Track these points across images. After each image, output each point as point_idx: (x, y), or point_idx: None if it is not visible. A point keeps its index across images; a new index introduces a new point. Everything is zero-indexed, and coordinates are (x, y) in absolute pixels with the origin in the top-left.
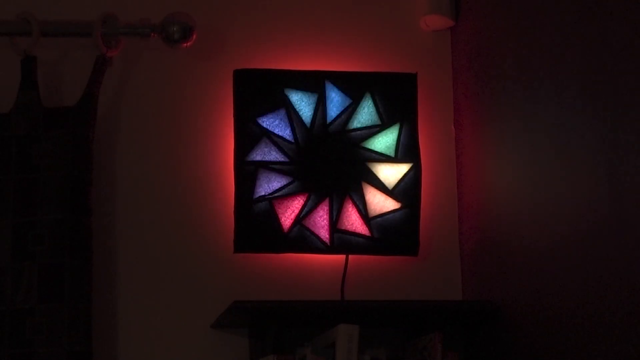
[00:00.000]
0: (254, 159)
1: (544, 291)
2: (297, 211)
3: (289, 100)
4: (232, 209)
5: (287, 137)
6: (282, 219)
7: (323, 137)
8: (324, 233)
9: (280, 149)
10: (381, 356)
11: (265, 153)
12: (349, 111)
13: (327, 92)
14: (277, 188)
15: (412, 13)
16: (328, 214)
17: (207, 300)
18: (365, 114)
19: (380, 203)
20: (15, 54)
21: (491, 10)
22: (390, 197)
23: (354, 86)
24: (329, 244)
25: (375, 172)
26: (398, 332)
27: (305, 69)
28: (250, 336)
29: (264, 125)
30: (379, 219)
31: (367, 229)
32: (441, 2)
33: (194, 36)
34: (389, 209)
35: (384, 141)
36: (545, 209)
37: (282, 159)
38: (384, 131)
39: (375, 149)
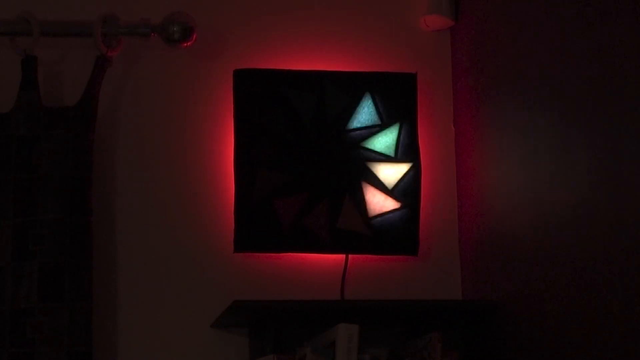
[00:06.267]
0: (254, 159)
1: (543, 291)
2: (297, 211)
3: (289, 100)
4: (232, 209)
5: (287, 137)
6: (282, 219)
7: (323, 137)
8: (323, 233)
9: (280, 148)
10: (381, 356)
11: (265, 153)
12: (349, 111)
13: (327, 92)
14: (277, 188)
15: (412, 13)
16: (328, 214)
17: (207, 300)
18: (365, 113)
19: (380, 203)
20: (16, 54)
21: (491, 10)
22: (390, 196)
23: (354, 86)
24: (329, 243)
25: (375, 172)
26: (398, 332)
27: (305, 69)
28: (250, 336)
29: (264, 125)
30: (378, 219)
31: (367, 228)
32: (441, 2)
33: (194, 36)
34: (389, 209)
35: (384, 141)
36: (545, 208)
37: (282, 159)
38: (384, 131)
39: (375, 149)
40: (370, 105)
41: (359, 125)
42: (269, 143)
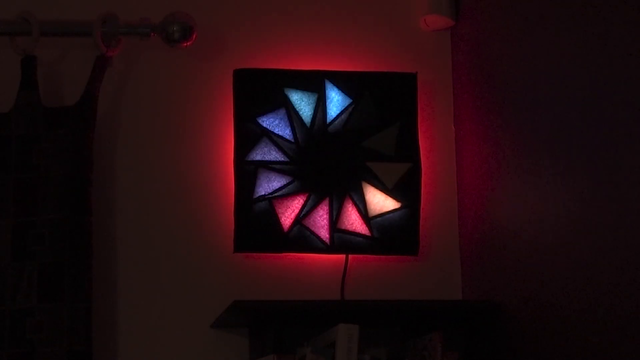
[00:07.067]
0: (254, 159)
1: (543, 291)
2: (297, 211)
3: (289, 100)
4: (232, 209)
5: (287, 137)
6: (282, 219)
7: (323, 137)
8: (324, 233)
9: (280, 148)
10: (381, 356)
11: (265, 153)
12: (349, 111)
13: (327, 91)
14: (277, 188)
15: (412, 13)
16: (328, 214)
17: (207, 300)
18: (365, 113)
19: (380, 203)
20: (15, 54)
21: (491, 10)
22: (390, 196)
23: (354, 86)
24: (329, 243)
25: (375, 172)
26: (398, 332)
27: (305, 69)
28: (250, 336)
29: (264, 125)
30: (378, 219)
31: (367, 228)
32: (441, 2)
33: (194, 36)
34: (389, 209)
35: (384, 140)
36: (546, 208)
37: (282, 159)
38: (384, 130)
39: (375, 149)
40: (371, 105)
41: (359, 125)
42: (269, 143)
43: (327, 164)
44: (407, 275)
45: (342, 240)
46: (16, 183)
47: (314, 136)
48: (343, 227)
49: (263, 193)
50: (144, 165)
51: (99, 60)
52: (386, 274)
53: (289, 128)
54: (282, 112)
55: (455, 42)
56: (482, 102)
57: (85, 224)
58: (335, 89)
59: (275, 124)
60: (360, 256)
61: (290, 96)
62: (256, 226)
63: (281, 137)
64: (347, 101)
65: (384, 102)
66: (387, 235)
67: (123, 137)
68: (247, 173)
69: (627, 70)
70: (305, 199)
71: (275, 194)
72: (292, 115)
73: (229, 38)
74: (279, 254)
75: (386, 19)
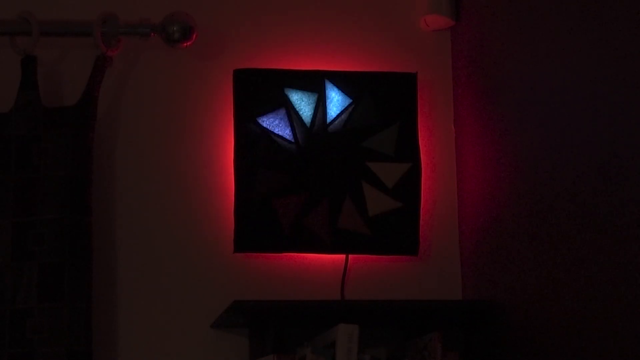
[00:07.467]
0: (254, 159)
1: (544, 291)
2: (297, 211)
3: (289, 100)
4: (232, 209)
5: (287, 137)
6: (282, 219)
7: (323, 137)
8: (324, 233)
9: (280, 148)
10: (381, 356)
11: (265, 153)
12: (349, 111)
13: (327, 91)
14: (277, 188)
15: (412, 13)
16: (328, 214)
17: (207, 300)
18: (365, 113)
19: (380, 202)
20: (15, 54)
21: (491, 10)
22: (390, 196)
23: (354, 86)
24: (329, 243)
25: (375, 172)
26: (398, 332)
27: (305, 69)
28: (250, 336)
29: (264, 125)
30: (378, 219)
31: (367, 228)
32: (441, 2)
33: (194, 36)
34: (389, 209)
35: (384, 140)
36: (546, 209)
37: (282, 159)
38: (384, 130)
39: (375, 149)
40: (371, 105)
41: (359, 125)
42: (269, 143)
43: (327, 164)
44: (407, 275)
45: (342, 240)
46: (16, 183)
47: (314, 136)
48: (343, 227)
49: (263, 193)
50: (144, 165)
51: (99, 60)
52: (386, 273)
53: (289, 128)
54: (282, 112)
55: (455, 42)
56: (482, 102)
57: (85, 224)
58: (335, 89)
59: (275, 124)
60: (360, 256)
61: (290, 96)
62: (256, 226)
63: (281, 137)
64: (347, 101)
65: (384, 102)
66: (387, 235)
67: (123, 137)
68: (247, 173)
69: (627, 70)
70: (305, 198)
71: (276, 194)
72: (292, 115)
73: (229, 38)
74: (279, 254)
75: (386, 19)
